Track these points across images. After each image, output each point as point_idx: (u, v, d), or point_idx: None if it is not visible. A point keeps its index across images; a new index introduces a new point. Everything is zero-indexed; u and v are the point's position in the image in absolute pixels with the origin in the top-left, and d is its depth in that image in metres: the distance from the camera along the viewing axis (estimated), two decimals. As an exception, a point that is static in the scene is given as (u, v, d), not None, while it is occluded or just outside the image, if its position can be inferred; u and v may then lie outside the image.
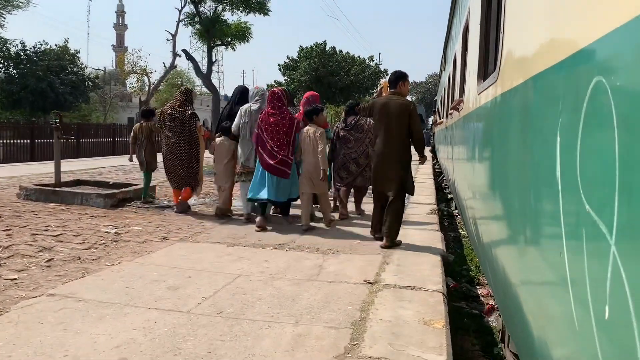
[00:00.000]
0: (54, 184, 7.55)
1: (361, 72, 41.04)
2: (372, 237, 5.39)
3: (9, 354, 2.49)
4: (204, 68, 18.59)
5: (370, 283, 3.84)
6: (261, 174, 5.80)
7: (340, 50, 41.93)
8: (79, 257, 4.29)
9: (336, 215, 6.56)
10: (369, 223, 6.00)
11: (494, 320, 4.60)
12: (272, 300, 3.40)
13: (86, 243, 4.78)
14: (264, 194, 5.74)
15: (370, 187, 5.97)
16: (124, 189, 7.38)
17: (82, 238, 4.95)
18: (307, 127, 5.85)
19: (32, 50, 32.33)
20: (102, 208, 6.56)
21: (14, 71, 31.42)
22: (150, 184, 7.64)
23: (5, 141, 17.14)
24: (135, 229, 5.48)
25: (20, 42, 31.74)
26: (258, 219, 5.83)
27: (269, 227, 5.83)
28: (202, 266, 4.19)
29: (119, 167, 12.37)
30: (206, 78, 17.61)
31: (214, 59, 18.43)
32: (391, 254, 4.77)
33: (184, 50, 18.63)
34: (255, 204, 6.03)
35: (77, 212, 6.20)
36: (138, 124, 7.82)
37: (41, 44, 33.06)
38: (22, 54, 31.64)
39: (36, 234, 4.95)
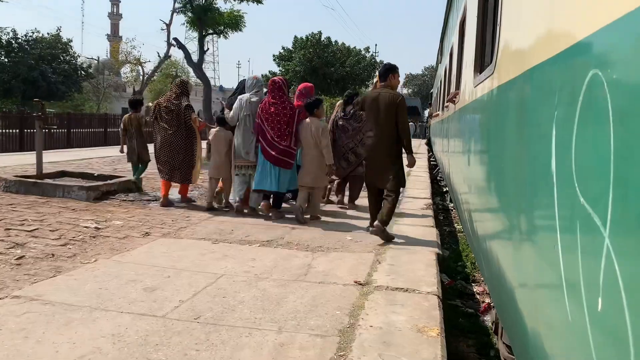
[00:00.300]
0: (35, 176, 7.26)
1: (357, 64, 40.73)
2: (366, 231, 5.29)
3: (-41, 366, 2.26)
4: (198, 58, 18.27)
5: (360, 284, 3.61)
6: (263, 164, 5.73)
7: (336, 41, 41.61)
8: (53, 255, 4.03)
9: (327, 207, 6.54)
10: (362, 216, 5.87)
11: (489, 320, 4.42)
12: (255, 304, 3.17)
13: (62, 239, 4.52)
14: (268, 186, 5.71)
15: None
16: (108, 182, 7.09)
17: (59, 233, 4.69)
18: (307, 120, 5.73)
19: (23, 38, 31.80)
20: (84, 201, 6.29)
21: (6, 59, 30.89)
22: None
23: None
24: (116, 224, 5.23)
25: (11, 30, 31.22)
26: (263, 203, 5.99)
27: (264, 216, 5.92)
28: (183, 265, 3.95)
29: (108, 158, 12.08)
30: (197, 67, 17.28)
31: (206, 49, 18.12)
32: (384, 251, 4.55)
33: (175, 39, 18.34)
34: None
35: (57, 206, 5.93)
36: (127, 115, 7.62)
37: (33, 32, 32.54)
38: (13, 42, 31.11)
39: (10, 229, 4.69)
